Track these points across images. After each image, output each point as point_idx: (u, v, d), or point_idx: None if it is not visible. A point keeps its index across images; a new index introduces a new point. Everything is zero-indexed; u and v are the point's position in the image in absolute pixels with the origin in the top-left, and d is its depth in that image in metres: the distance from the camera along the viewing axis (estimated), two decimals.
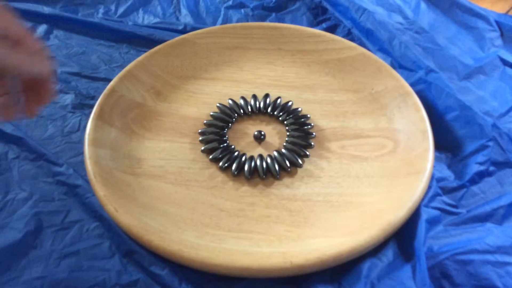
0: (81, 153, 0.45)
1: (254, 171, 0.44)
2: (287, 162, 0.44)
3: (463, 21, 0.60)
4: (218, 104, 0.50)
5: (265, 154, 0.46)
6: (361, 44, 0.57)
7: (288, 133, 0.47)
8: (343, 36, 0.59)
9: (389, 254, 0.38)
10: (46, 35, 0.61)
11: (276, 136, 0.48)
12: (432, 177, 0.42)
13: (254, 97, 0.51)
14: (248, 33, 0.57)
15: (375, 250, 0.38)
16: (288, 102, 0.50)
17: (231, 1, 0.66)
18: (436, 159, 0.45)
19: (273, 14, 0.64)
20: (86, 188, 0.42)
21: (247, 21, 0.63)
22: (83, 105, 0.51)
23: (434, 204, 0.41)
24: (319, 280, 0.36)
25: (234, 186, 0.43)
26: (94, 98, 0.52)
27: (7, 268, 0.37)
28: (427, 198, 0.41)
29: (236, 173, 0.44)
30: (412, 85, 0.50)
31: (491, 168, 0.44)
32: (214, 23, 0.63)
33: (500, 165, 0.44)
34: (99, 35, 0.61)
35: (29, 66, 0.30)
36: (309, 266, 0.35)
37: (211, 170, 0.45)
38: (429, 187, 0.41)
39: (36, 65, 0.31)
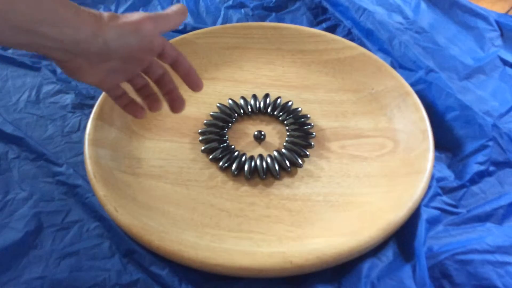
0: (81, 153, 0.45)
1: (254, 171, 0.44)
2: (287, 162, 0.44)
3: (463, 21, 0.60)
4: (218, 104, 0.50)
5: (265, 154, 0.46)
6: (361, 44, 0.57)
7: (288, 133, 0.47)
8: (343, 36, 0.59)
9: (389, 254, 0.38)
10: None
11: (276, 136, 0.48)
12: (432, 177, 0.42)
13: (254, 97, 0.51)
14: (248, 33, 0.57)
15: (375, 250, 0.38)
16: (288, 102, 0.50)
17: (231, 1, 0.66)
18: (436, 159, 0.45)
19: (273, 14, 0.64)
20: (86, 188, 0.42)
21: (247, 21, 0.63)
22: (83, 105, 0.51)
23: (434, 204, 0.41)
24: (319, 280, 0.36)
25: (234, 186, 0.43)
26: (94, 98, 0.52)
27: (7, 268, 0.37)
28: (427, 198, 0.41)
29: (236, 173, 0.44)
30: (412, 85, 0.50)
31: (491, 168, 0.44)
32: (214, 23, 0.63)
33: (500, 165, 0.44)
34: None
35: (172, 20, 0.35)
36: (309, 266, 0.35)
37: (211, 170, 0.45)
38: (429, 187, 0.41)
39: (176, 18, 0.36)
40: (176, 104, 0.41)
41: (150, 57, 0.37)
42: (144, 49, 0.35)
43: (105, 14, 0.32)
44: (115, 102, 0.40)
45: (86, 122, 0.46)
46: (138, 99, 0.41)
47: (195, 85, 0.39)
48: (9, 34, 0.28)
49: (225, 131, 0.48)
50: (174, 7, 0.36)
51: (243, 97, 0.51)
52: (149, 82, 0.40)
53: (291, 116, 0.49)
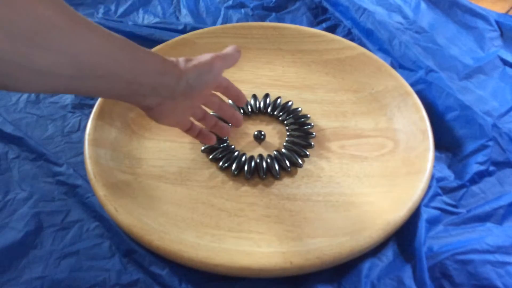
0: (81, 153, 0.45)
1: (254, 171, 0.44)
2: (287, 162, 0.44)
3: (463, 21, 0.60)
4: None
5: (265, 154, 0.46)
6: (361, 44, 0.57)
7: (288, 133, 0.47)
8: (343, 36, 0.59)
9: (389, 254, 0.38)
10: None
11: (276, 136, 0.48)
12: (432, 177, 0.42)
13: (254, 97, 0.51)
14: (248, 33, 0.57)
15: (375, 250, 0.38)
16: (288, 102, 0.50)
17: (231, 1, 0.66)
18: (436, 159, 0.45)
19: (273, 14, 0.64)
20: (86, 188, 0.42)
21: (247, 21, 0.63)
22: (83, 105, 0.51)
23: (434, 204, 0.41)
24: (319, 280, 0.36)
25: (234, 186, 0.43)
26: (94, 98, 0.52)
27: (7, 268, 0.37)
28: (427, 198, 0.41)
29: (236, 173, 0.44)
30: (412, 85, 0.50)
31: (491, 168, 0.44)
32: (214, 23, 0.63)
33: (500, 165, 0.44)
34: None
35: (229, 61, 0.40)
36: (309, 266, 0.35)
37: (211, 170, 0.45)
38: (429, 187, 0.41)
39: (236, 57, 0.41)
40: (237, 122, 0.46)
41: (212, 89, 0.42)
42: (214, 84, 0.40)
43: (180, 59, 0.37)
44: (187, 134, 0.43)
45: (86, 122, 0.46)
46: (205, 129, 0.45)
47: (242, 102, 0.45)
48: (117, 88, 0.33)
49: None
50: (232, 48, 0.40)
51: None
52: (208, 111, 0.44)
53: (291, 116, 0.49)
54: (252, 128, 0.49)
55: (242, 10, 0.64)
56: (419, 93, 0.49)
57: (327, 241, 0.37)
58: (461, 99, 0.48)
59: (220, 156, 0.45)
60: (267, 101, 0.50)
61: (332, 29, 0.61)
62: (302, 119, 0.48)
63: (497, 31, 0.57)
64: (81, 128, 0.49)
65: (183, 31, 0.60)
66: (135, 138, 0.47)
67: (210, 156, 0.45)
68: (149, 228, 0.38)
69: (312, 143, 0.46)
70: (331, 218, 0.40)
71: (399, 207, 0.38)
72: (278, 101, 0.50)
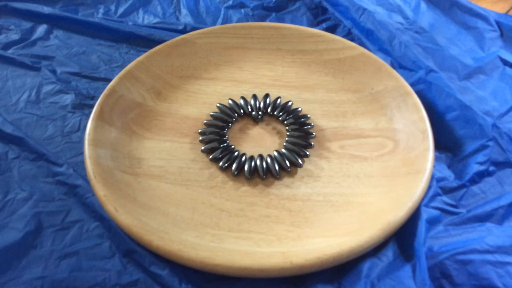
0: (81, 153, 0.45)
1: (254, 171, 0.44)
2: (287, 162, 0.44)
3: (463, 21, 0.60)
4: (218, 104, 0.50)
5: (265, 154, 0.46)
6: (361, 44, 0.57)
7: (288, 133, 0.47)
8: (343, 36, 0.59)
9: (389, 254, 0.38)
10: (46, 35, 0.61)
11: (276, 136, 0.48)
12: (432, 177, 0.42)
13: (254, 97, 0.51)
14: (248, 33, 0.57)
15: (375, 250, 0.38)
16: (288, 102, 0.50)
17: (231, 1, 0.66)
18: (436, 159, 0.45)
19: (273, 14, 0.64)
20: (86, 188, 0.42)
21: (247, 21, 0.63)
22: (83, 105, 0.51)
23: (434, 204, 0.41)
24: (319, 280, 0.36)
25: (234, 186, 0.43)
26: (94, 98, 0.52)
27: (7, 268, 0.37)
28: (427, 198, 0.41)
29: (236, 173, 0.44)
30: (412, 85, 0.50)
31: (491, 168, 0.44)
32: (214, 23, 0.63)
33: (500, 165, 0.44)
34: (99, 35, 0.61)
35: None
36: (309, 266, 0.35)
37: (211, 170, 0.45)
38: (429, 187, 0.41)
39: None
40: None
41: None
42: None
43: None
44: None
45: (86, 122, 0.46)
46: None
47: None
48: None
49: (225, 131, 0.48)
50: None
51: (243, 97, 0.51)
52: None
53: (291, 116, 0.49)
54: (252, 128, 0.49)
55: (242, 10, 0.65)
56: (419, 93, 0.49)
57: (327, 241, 0.37)
58: (461, 99, 0.48)
59: (220, 156, 0.45)
60: (267, 101, 0.50)
61: (332, 29, 0.61)
62: (302, 119, 0.48)
63: (497, 31, 0.57)
64: (81, 128, 0.49)
65: (183, 31, 0.60)
66: (135, 138, 0.47)
67: (210, 156, 0.45)
68: (149, 228, 0.38)
69: (312, 143, 0.46)
70: (331, 218, 0.40)
71: (399, 207, 0.38)
72: (278, 101, 0.50)
